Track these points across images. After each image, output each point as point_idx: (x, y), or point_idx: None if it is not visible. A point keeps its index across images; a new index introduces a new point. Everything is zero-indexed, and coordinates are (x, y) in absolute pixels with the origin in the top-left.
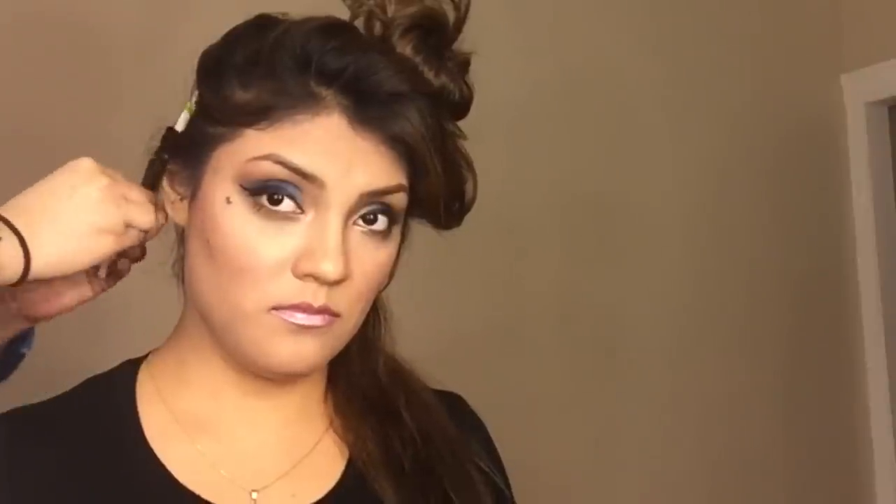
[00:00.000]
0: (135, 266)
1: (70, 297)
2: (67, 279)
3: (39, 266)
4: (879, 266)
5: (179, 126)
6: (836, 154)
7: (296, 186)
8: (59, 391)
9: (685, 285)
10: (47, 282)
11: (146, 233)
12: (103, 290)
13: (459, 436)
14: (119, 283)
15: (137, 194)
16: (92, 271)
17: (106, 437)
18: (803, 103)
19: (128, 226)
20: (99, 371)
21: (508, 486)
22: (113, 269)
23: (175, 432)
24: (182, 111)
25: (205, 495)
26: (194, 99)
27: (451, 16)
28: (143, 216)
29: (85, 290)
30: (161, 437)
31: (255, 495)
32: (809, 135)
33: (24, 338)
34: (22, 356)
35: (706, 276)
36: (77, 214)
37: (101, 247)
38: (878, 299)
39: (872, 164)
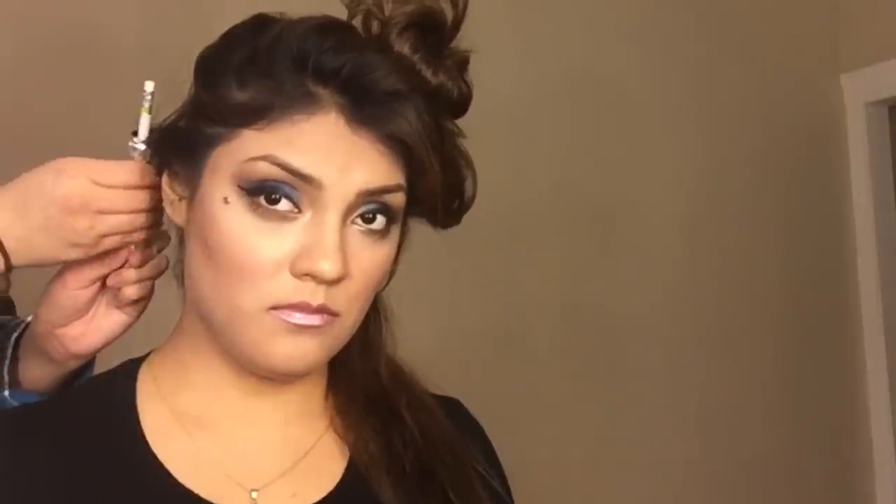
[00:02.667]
0: None
1: (108, 327)
2: (99, 312)
3: (19, 260)
4: (879, 266)
5: (141, 132)
6: (836, 154)
7: (293, 187)
8: None
9: (685, 285)
10: (81, 318)
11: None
12: (139, 312)
13: (460, 439)
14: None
15: (121, 200)
16: (119, 301)
17: (105, 435)
18: (803, 103)
19: (102, 237)
20: (100, 371)
21: (508, 490)
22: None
23: (175, 431)
24: (141, 115)
25: (204, 494)
26: (146, 104)
27: (449, 14)
28: (116, 224)
29: (119, 318)
30: (160, 435)
31: (254, 494)
32: (809, 135)
33: (81, 375)
34: None
35: (706, 276)
36: (47, 231)
37: (71, 256)
38: (878, 299)
39: (872, 164)
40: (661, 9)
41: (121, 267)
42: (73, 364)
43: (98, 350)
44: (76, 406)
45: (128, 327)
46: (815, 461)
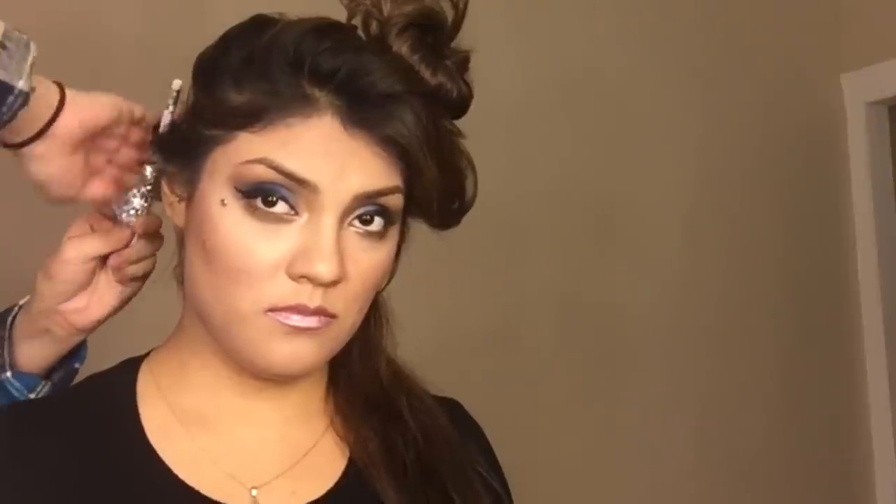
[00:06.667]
0: None
1: (111, 299)
2: (100, 285)
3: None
4: (879, 266)
5: (162, 127)
6: (836, 154)
7: (288, 189)
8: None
9: (684, 285)
10: (83, 292)
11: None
12: (140, 286)
13: (459, 440)
14: None
15: None
16: (118, 276)
17: (106, 433)
18: (803, 103)
19: None
20: (100, 370)
21: (508, 491)
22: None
23: (175, 429)
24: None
25: (204, 491)
26: (172, 101)
27: (449, 14)
28: None
29: (121, 290)
30: (161, 433)
31: (254, 492)
32: (809, 135)
33: (76, 353)
34: (76, 371)
35: (706, 275)
36: None
37: None
38: (878, 299)
39: (872, 164)
40: (660, 9)
41: (123, 248)
42: (75, 340)
43: (101, 322)
44: (77, 404)
45: (130, 299)
46: (814, 459)
